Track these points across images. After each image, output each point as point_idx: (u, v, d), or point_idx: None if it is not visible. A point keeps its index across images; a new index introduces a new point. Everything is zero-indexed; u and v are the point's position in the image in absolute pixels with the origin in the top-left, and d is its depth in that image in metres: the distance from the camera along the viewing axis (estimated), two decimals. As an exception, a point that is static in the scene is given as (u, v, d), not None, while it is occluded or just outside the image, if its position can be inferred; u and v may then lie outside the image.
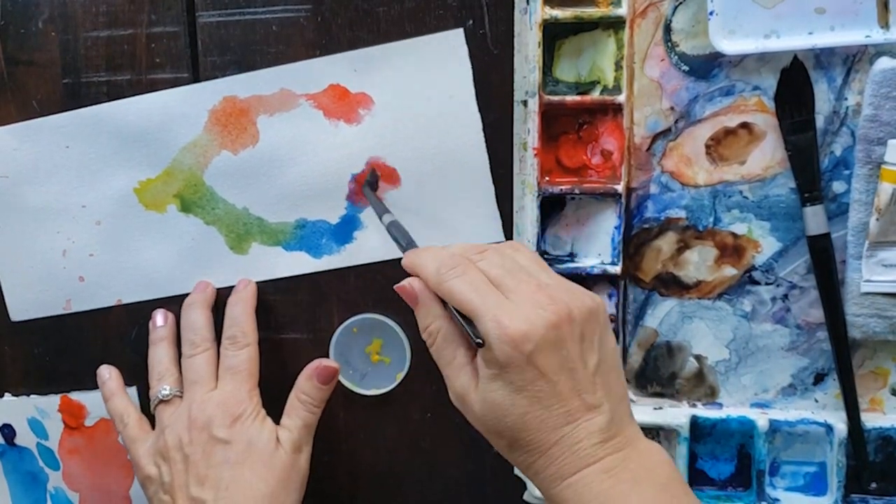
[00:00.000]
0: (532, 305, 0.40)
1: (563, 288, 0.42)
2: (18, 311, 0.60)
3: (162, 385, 0.54)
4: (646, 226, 0.54)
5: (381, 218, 0.52)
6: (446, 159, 0.55)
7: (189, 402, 0.53)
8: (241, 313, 0.55)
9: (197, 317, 0.55)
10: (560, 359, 0.40)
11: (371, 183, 0.55)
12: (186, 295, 0.58)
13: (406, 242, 0.49)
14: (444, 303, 0.43)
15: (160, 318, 0.57)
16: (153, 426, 0.55)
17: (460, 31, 0.53)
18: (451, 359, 0.43)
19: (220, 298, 0.58)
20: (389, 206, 0.55)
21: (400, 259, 0.56)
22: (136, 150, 0.57)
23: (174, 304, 0.58)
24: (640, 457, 0.40)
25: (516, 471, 0.57)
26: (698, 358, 0.55)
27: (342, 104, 0.55)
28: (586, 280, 0.54)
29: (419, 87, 0.54)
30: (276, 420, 0.54)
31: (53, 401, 0.61)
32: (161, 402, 0.54)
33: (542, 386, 0.40)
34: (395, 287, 0.45)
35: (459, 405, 0.43)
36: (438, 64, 0.54)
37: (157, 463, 0.53)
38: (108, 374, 0.58)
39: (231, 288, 0.57)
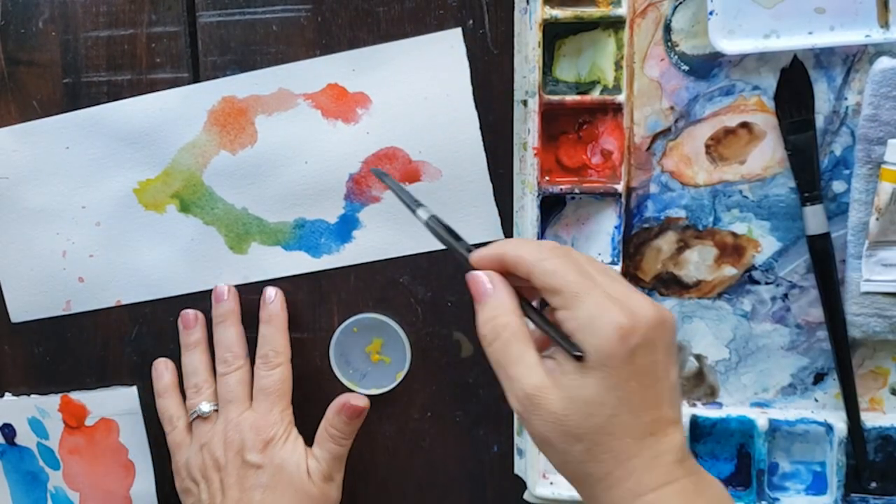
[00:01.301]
0: (631, 302, 0.38)
1: (648, 297, 0.40)
2: (19, 313, 0.60)
3: (201, 401, 0.55)
4: (646, 225, 0.54)
5: (413, 212, 0.46)
6: (444, 158, 0.55)
7: (225, 422, 0.54)
8: (272, 332, 0.56)
9: (229, 333, 0.56)
10: (652, 362, 0.38)
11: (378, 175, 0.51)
12: (186, 296, 0.58)
13: (457, 241, 0.44)
14: (518, 301, 0.41)
15: (191, 319, 0.57)
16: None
17: (458, 30, 0.53)
18: (519, 356, 0.39)
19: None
20: (391, 205, 0.55)
21: (401, 258, 0.56)
22: (135, 150, 0.57)
23: (174, 304, 0.58)
24: (710, 487, 0.39)
25: (516, 470, 0.57)
26: (698, 357, 0.55)
27: (340, 104, 0.55)
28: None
29: (417, 87, 0.54)
30: (302, 422, 0.55)
31: (54, 400, 0.61)
32: (199, 417, 0.55)
33: (633, 387, 0.37)
34: (466, 276, 0.42)
35: (526, 406, 0.38)
36: (436, 63, 0.54)
37: (195, 479, 0.54)
38: (165, 368, 0.58)
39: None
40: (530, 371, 0.39)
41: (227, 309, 0.57)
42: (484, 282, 0.41)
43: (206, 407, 0.55)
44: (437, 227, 0.45)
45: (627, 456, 0.37)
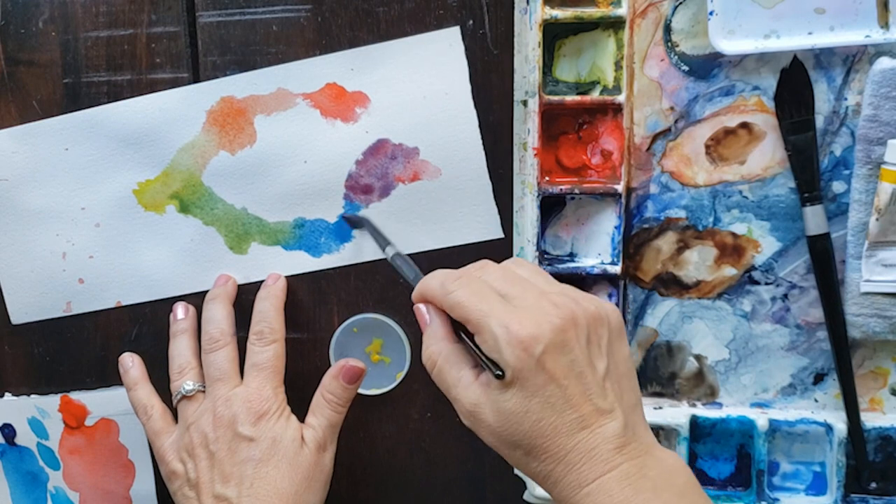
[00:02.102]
0: (537, 311, 0.40)
1: (566, 294, 0.42)
2: (19, 314, 0.60)
3: (184, 380, 0.54)
4: (646, 226, 0.54)
5: (383, 249, 0.52)
6: (444, 157, 0.55)
7: (213, 399, 0.53)
8: (269, 308, 0.55)
9: (217, 311, 0.55)
10: (567, 363, 0.40)
11: (353, 220, 0.56)
12: (186, 296, 0.58)
13: (414, 275, 0.49)
14: (454, 329, 0.44)
15: (181, 310, 0.57)
16: (175, 417, 0.55)
17: (456, 28, 0.53)
18: (456, 379, 0.43)
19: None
20: (390, 204, 0.55)
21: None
22: (134, 151, 0.57)
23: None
24: (658, 464, 0.40)
25: (516, 470, 0.57)
26: (698, 358, 0.55)
27: (339, 103, 0.55)
28: (586, 280, 0.54)
29: (416, 86, 0.54)
30: (299, 418, 0.54)
31: (54, 401, 0.61)
32: (184, 397, 0.54)
33: (552, 391, 0.39)
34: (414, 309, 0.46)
35: (471, 422, 0.42)
36: (435, 62, 0.54)
37: (182, 459, 0.53)
38: (131, 363, 0.57)
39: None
40: (467, 391, 0.42)
41: (222, 291, 0.57)
42: (423, 314, 0.45)
43: (189, 385, 0.54)
44: (400, 263, 0.50)
45: (564, 453, 0.40)
